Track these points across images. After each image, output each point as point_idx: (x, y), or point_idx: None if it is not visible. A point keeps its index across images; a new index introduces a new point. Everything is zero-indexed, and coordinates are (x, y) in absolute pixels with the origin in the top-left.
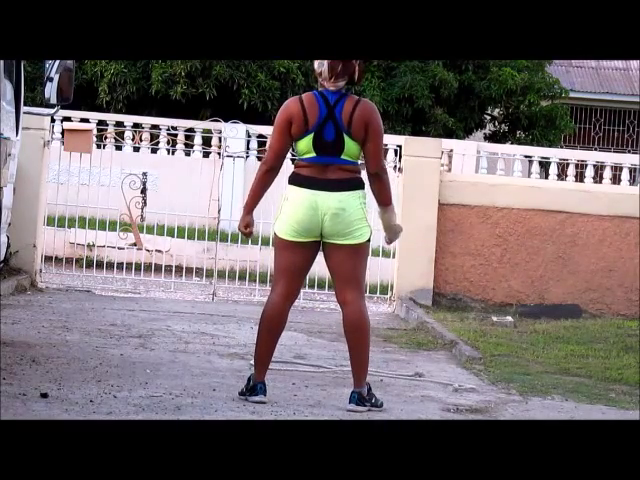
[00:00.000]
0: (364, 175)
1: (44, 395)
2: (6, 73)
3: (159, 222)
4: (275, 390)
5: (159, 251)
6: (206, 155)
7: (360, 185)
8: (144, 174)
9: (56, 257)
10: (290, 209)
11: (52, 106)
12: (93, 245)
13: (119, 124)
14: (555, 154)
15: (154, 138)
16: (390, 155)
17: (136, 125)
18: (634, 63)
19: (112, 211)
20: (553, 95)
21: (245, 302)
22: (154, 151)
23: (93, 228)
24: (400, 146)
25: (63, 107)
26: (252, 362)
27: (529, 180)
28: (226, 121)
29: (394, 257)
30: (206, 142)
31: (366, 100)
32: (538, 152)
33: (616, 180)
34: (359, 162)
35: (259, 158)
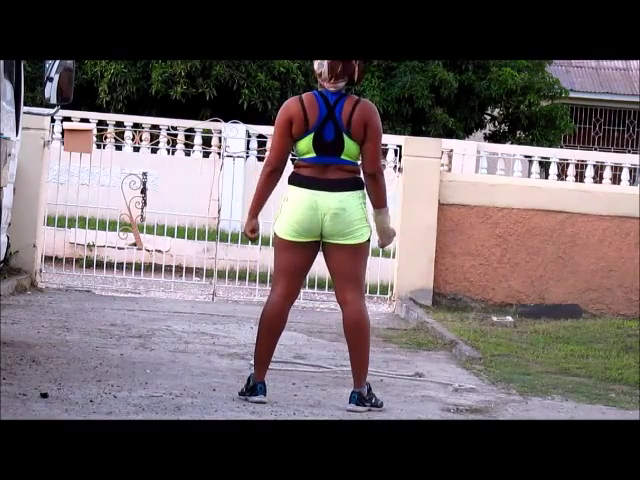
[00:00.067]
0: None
1: (44, 395)
2: (6, 73)
3: (159, 222)
4: (275, 390)
5: (159, 251)
6: (206, 155)
7: (360, 185)
8: (144, 174)
9: (56, 257)
10: (290, 209)
11: (52, 106)
12: (93, 245)
13: (119, 124)
14: (555, 154)
15: (154, 138)
16: (390, 155)
17: (136, 125)
18: (634, 63)
19: (112, 211)
20: (553, 95)
21: (245, 302)
22: (154, 151)
23: (93, 228)
24: (400, 146)
25: (63, 107)
26: (252, 362)
27: (529, 180)
28: (226, 121)
29: (394, 257)
30: (206, 142)
31: (366, 100)
32: (538, 152)
33: (616, 180)
34: (358, 162)
35: (259, 158)
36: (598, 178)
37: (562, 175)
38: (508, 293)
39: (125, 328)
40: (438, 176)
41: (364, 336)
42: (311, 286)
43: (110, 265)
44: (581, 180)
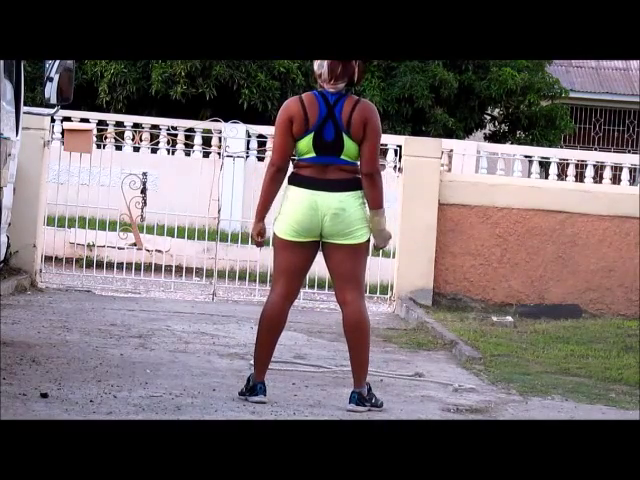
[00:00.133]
0: None
1: (44, 395)
2: (6, 73)
3: (159, 222)
4: (275, 390)
5: (159, 251)
6: (206, 155)
7: (360, 185)
8: (144, 174)
9: (56, 257)
10: (290, 209)
11: (52, 106)
12: (93, 245)
13: (119, 124)
14: (555, 154)
15: (154, 138)
16: (390, 155)
17: (136, 125)
18: (634, 63)
19: (112, 211)
20: (553, 95)
21: (245, 302)
22: (154, 151)
23: (93, 228)
24: (400, 146)
25: (63, 107)
26: (252, 362)
27: (529, 180)
28: (226, 121)
29: (394, 257)
30: (206, 142)
31: (365, 100)
32: (538, 152)
33: (616, 180)
34: (358, 163)
35: (259, 158)
36: (598, 178)
37: (562, 175)
38: (508, 293)
39: (125, 328)
40: (438, 176)
41: (364, 336)
42: (311, 286)
43: (110, 265)
44: (581, 180)
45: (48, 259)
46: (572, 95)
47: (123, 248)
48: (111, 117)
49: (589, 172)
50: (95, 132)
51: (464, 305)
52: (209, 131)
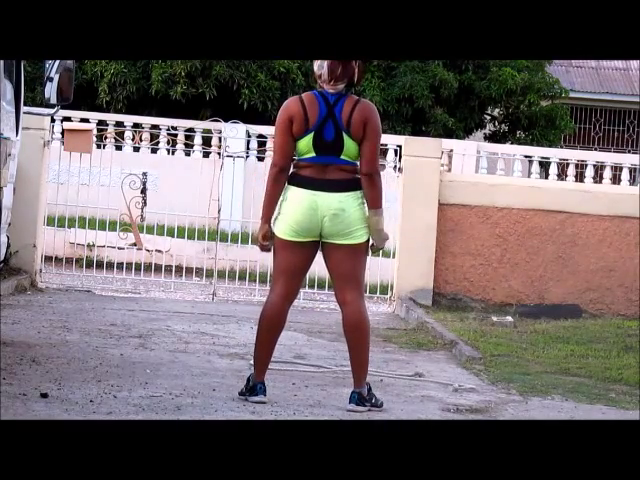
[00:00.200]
0: None
1: (44, 395)
2: (6, 73)
3: (159, 222)
4: (275, 390)
5: (159, 251)
6: (206, 155)
7: (359, 186)
8: (144, 174)
9: (56, 257)
10: (289, 209)
11: (52, 106)
12: (93, 245)
13: (119, 124)
14: (555, 154)
15: (154, 138)
16: (390, 155)
17: (136, 125)
18: (634, 63)
19: (112, 211)
20: (553, 95)
21: (245, 302)
22: (154, 151)
23: (93, 228)
24: (400, 146)
25: (63, 107)
26: (252, 362)
27: (529, 180)
28: (226, 121)
29: (394, 257)
30: (206, 142)
31: (366, 100)
32: (538, 152)
33: (616, 180)
34: (358, 163)
35: (259, 158)
36: (598, 178)
37: (562, 175)
38: (508, 293)
39: (125, 328)
40: (438, 176)
41: (364, 336)
42: (311, 286)
43: (110, 265)
44: (581, 180)
45: (48, 259)
46: (572, 95)
47: (123, 248)
48: (111, 117)
49: (589, 172)
50: (95, 132)
51: (464, 305)
52: (209, 131)
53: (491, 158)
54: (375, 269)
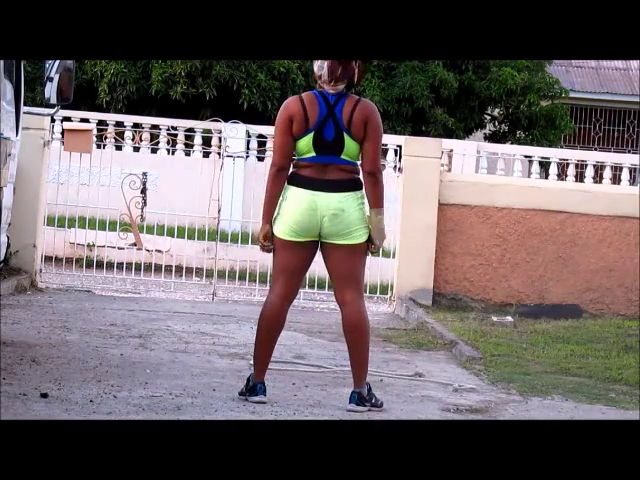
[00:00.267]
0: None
1: (44, 395)
2: (6, 73)
3: (159, 222)
4: (275, 390)
5: (159, 251)
6: (206, 155)
7: (359, 186)
8: (144, 174)
9: (56, 257)
10: (289, 209)
11: (52, 106)
12: (93, 245)
13: (119, 124)
14: (555, 154)
15: (154, 138)
16: (390, 155)
17: (136, 125)
18: (634, 63)
19: (112, 211)
20: (553, 95)
21: (245, 302)
22: (154, 151)
23: (93, 228)
24: (400, 146)
25: (63, 107)
26: (252, 362)
27: (529, 180)
28: (226, 121)
29: (394, 257)
30: (206, 142)
31: (366, 100)
32: (538, 152)
33: (616, 180)
34: (358, 163)
35: (259, 158)
36: (598, 178)
37: (562, 175)
38: (508, 293)
39: (125, 328)
40: (438, 176)
41: (363, 336)
42: (311, 286)
43: (110, 265)
44: (581, 180)
45: (48, 259)
46: (572, 95)
47: (123, 248)
48: (111, 117)
49: (589, 172)
50: (95, 132)
51: (464, 305)
52: (209, 131)
53: (491, 158)
54: (375, 269)
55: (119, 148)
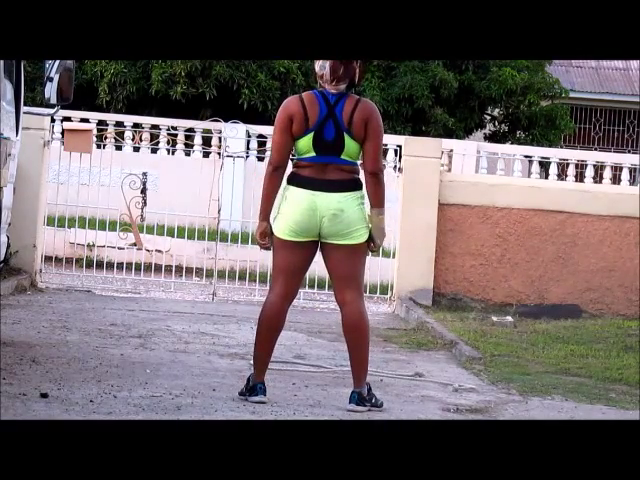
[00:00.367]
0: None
1: (44, 395)
2: (6, 73)
3: (159, 222)
4: (275, 390)
5: (159, 251)
6: (206, 155)
7: (359, 186)
8: (144, 174)
9: (56, 257)
10: (289, 209)
11: (52, 106)
12: (93, 245)
13: (119, 124)
14: (555, 154)
15: (154, 138)
16: (390, 155)
17: (136, 125)
18: (634, 63)
19: (112, 211)
20: (553, 95)
21: (245, 302)
22: (154, 151)
23: (93, 228)
24: (400, 146)
25: (63, 107)
26: (252, 362)
27: (529, 180)
28: (226, 121)
29: (394, 257)
30: (206, 142)
31: (366, 100)
32: (538, 152)
33: (616, 180)
34: (358, 163)
35: (259, 158)
36: (598, 178)
37: (562, 175)
38: (508, 293)
39: (125, 328)
40: (438, 176)
41: (363, 336)
42: (311, 286)
43: (110, 265)
44: (581, 180)
45: (48, 259)
46: (572, 95)
47: (123, 248)
48: (111, 117)
49: (589, 172)
50: (95, 132)
51: (464, 305)
52: (209, 131)
53: (491, 158)
54: (375, 269)
55: (119, 148)
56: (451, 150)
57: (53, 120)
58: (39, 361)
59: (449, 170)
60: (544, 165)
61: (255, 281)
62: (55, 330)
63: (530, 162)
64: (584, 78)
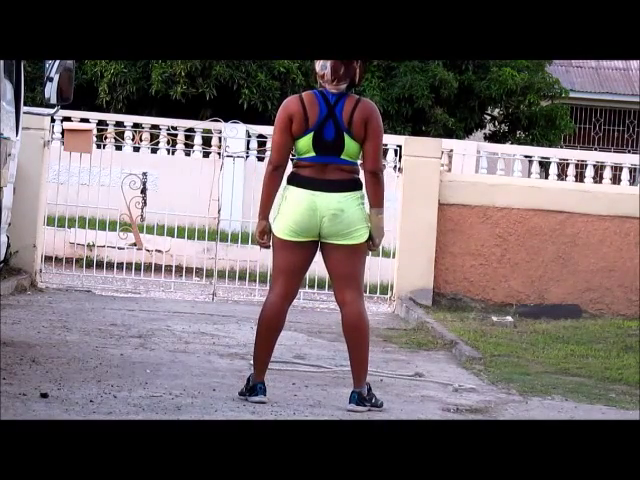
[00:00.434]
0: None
1: (44, 395)
2: (6, 73)
3: (159, 222)
4: (275, 390)
5: (159, 251)
6: (206, 155)
7: (359, 186)
8: (144, 174)
9: (56, 257)
10: (289, 209)
11: (52, 106)
12: (93, 245)
13: (119, 124)
14: (555, 154)
15: (154, 138)
16: (390, 155)
17: (136, 125)
18: (634, 63)
19: (112, 211)
20: (553, 95)
21: (245, 302)
22: (154, 151)
23: (93, 228)
24: (400, 146)
25: (63, 107)
26: (252, 362)
27: (529, 180)
28: (226, 121)
29: (394, 257)
30: (206, 142)
31: (366, 99)
32: (538, 152)
33: (616, 180)
34: (358, 162)
35: (259, 158)
36: (598, 178)
37: (562, 175)
38: (508, 293)
39: (125, 328)
40: (438, 176)
41: (363, 336)
42: (311, 286)
43: (110, 265)
44: (581, 180)
45: (48, 259)
46: (572, 95)
47: (123, 248)
48: (111, 117)
49: (589, 172)
50: (95, 132)
51: (464, 305)
52: (209, 131)
53: (491, 158)
54: (375, 269)
55: (119, 148)
56: (451, 150)
57: (53, 120)
58: (39, 361)
59: (449, 170)
60: (544, 165)
61: (255, 281)
62: (55, 330)
63: (530, 162)
64: (584, 78)
